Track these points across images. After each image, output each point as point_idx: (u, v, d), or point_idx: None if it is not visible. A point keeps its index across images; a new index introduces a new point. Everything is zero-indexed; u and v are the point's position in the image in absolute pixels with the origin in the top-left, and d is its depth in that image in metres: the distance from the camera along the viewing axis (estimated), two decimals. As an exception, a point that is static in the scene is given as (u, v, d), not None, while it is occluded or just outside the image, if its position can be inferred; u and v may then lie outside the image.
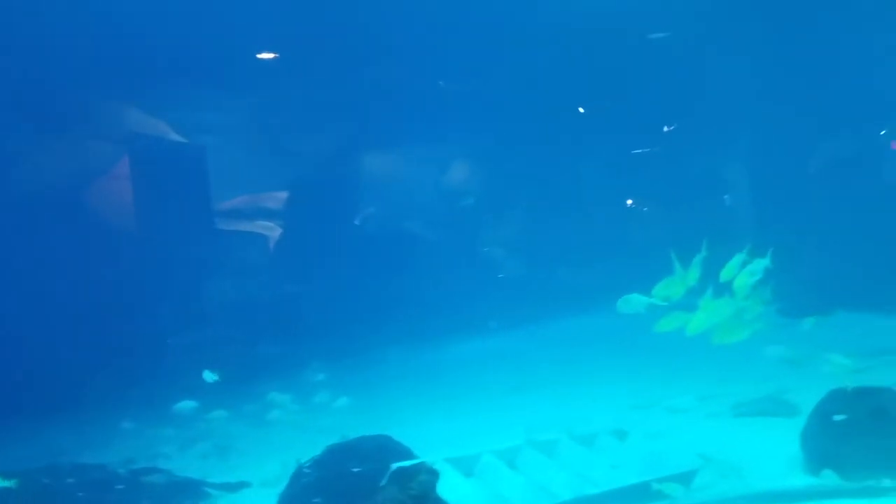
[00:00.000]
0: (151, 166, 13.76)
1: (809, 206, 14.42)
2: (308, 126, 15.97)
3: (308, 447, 6.84)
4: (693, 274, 6.30)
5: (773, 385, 8.66)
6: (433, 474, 4.69)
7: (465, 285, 15.98)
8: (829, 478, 5.66)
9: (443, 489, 5.16)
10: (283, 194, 15.86)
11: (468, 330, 15.20)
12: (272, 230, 15.47)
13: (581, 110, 17.87)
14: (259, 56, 14.27)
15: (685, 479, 5.99)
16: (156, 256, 13.53)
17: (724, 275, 6.32)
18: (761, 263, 6.25)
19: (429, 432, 8.42)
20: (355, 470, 6.07)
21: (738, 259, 6.31)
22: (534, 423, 8.18)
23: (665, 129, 17.88)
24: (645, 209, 18.87)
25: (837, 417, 5.85)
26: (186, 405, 9.54)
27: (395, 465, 5.48)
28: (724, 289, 6.34)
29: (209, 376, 9.00)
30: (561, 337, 14.62)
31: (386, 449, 6.47)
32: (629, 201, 18.89)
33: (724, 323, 6.28)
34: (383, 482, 5.11)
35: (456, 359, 14.09)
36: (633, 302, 6.47)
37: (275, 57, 14.33)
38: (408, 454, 6.48)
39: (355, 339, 13.52)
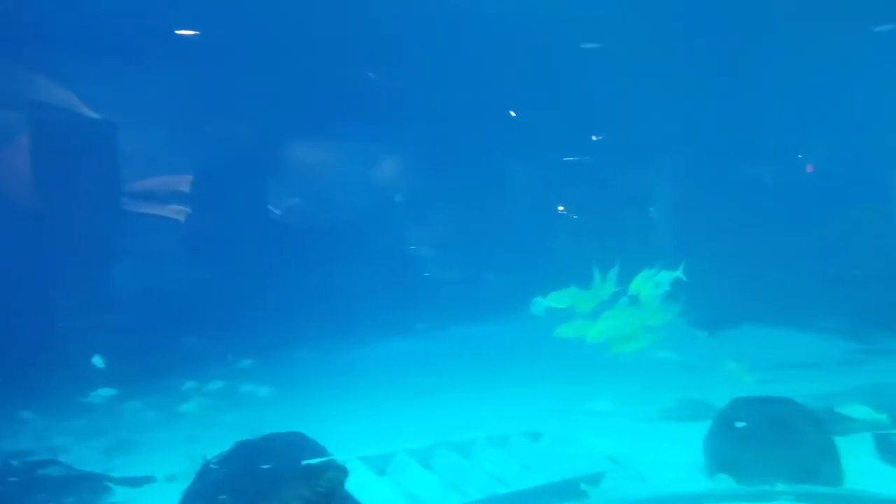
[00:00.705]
0: (59, 142, 12.95)
1: (723, 222, 15.11)
2: (234, 109, 15.40)
3: (220, 442, 6.62)
4: (608, 286, 6.44)
5: (699, 391, 8.92)
6: (342, 472, 4.66)
7: (392, 283, 15.86)
8: (724, 482, 5.92)
9: (355, 487, 5.12)
10: (200, 179, 15.14)
11: (396, 328, 15.11)
12: (185, 215, 14.80)
13: (512, 113, 18.07)
14: (179, 32, 13.63)
15: (593, 480, 6.15)
16: (65, 239, 12.81)
17: (634, 287, 6.49)
18: (669, 276, 6.46)
19: (346, 430, 8.32)
20: (265, 467, 5.92)
21: (648, 272, 6.51)
22: (453, 425, 8.23)
23: (594, 138, 18.35)
24: (575, 217, 19.30)
25: (738, 424, 6.13)
26: (101, 394, 9.15)
27: (304, 462, 5.40)
28: (634, 300, 6.52)
29: (98, 361, 8.71)
30: (487, 339, 14.72)
31: (298, 446, 6.31)
32: (560, 207, 19.29)
33: (625, 332, 6.46)
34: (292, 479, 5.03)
35: (381, 357, 13.98)
36: (537, 305, 6.58)
37: (196, 34, 13.71)
38: (321, 452, 6.37)
39: (275, 334, 13.19)
